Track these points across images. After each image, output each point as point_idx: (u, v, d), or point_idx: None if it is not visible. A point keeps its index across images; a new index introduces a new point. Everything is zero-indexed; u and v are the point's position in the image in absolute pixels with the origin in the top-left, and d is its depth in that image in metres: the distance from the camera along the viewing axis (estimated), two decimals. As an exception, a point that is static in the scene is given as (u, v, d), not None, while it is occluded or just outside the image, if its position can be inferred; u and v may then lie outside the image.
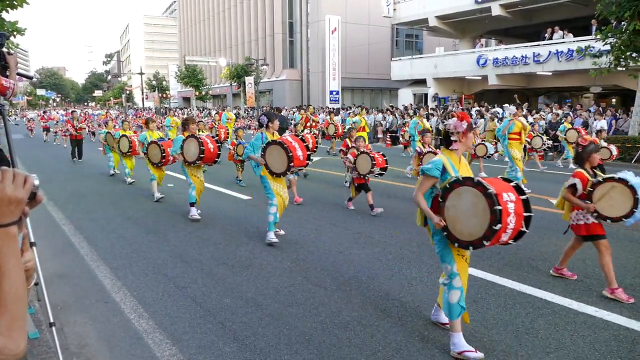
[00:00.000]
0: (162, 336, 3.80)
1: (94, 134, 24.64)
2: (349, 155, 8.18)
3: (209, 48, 55.87)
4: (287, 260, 5.60)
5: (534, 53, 22.08)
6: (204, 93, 48.93)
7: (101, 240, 6.57)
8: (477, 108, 21.35)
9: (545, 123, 17.06)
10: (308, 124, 16.38)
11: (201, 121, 16.59)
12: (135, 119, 32.33)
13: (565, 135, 13.56)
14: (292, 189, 8.54)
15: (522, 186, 3.59)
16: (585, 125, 16.16)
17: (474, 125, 3.79)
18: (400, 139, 17.77)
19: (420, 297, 4.52)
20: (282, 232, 6.62)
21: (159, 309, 4.31)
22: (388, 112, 24.09)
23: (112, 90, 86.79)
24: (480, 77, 25.81)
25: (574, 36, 20.86)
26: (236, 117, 25.50)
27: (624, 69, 15.35)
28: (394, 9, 29.28)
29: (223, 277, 5.09)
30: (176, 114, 35.25)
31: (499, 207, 3.05)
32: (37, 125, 31.16)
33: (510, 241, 3.31)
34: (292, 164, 5.84)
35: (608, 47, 14.95)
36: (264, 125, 6.33)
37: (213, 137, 8.10)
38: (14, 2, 10.68)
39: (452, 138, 3.50)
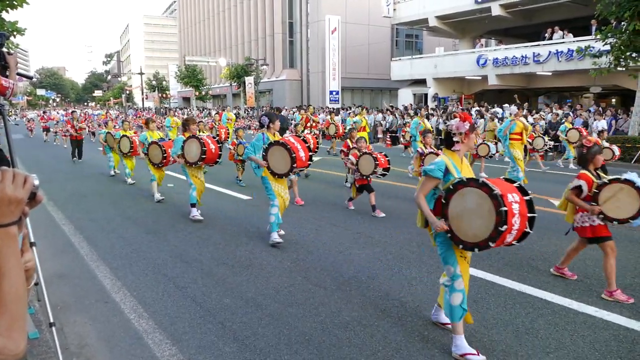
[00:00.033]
0: (162, 336, 3.80)
1: (94, 134, 24.66)
2: (350, 157, 8.15)
3: (209, 48, 55.88)
4: (287, 260, 5.60)
5: (534, 53, 22.09)
6: (204, 93, 48.94)
7: (101, 240, 6.57)
8: (477, 108, 21.34)
9: (545, 123, 17.07)
10: (308, 124, 16.37)
11: (201, 121, 16.61)
12: (135, 119, 32.33)
13: (566, 135, 13.57)
14: (293, 189, 8.53)
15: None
16: (585, 125, 16.17)
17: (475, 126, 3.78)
18: (401, 139, 17.76)
19: (420, 297, 4.52)
20: (282, 232, 6.60)
21: (159, 309, 4.31)
22: (388, 112, 24.08)
23: (112, 91, 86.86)
24: (480, 77, 25.82)
25: (574, 36, 20.87)
26: (236, 117, 25.49)
27: (623, 69, 15.37)
28: (394, 9, 29.29)
29: (223, 277, 5.09)
30: (176, 114, 35.22)
31: (505, 208, 3.02)
32: (37, 126, 31.18)
33: (514, 242, 3.30)
34: (295, 165, 5.84)
35: (608, 47, 14.96)
36: (265, 126, 6.31)
37: (214, 137, 8.10)
38: (14, 2, 10.70)
39: (454, 139, 3.47)
